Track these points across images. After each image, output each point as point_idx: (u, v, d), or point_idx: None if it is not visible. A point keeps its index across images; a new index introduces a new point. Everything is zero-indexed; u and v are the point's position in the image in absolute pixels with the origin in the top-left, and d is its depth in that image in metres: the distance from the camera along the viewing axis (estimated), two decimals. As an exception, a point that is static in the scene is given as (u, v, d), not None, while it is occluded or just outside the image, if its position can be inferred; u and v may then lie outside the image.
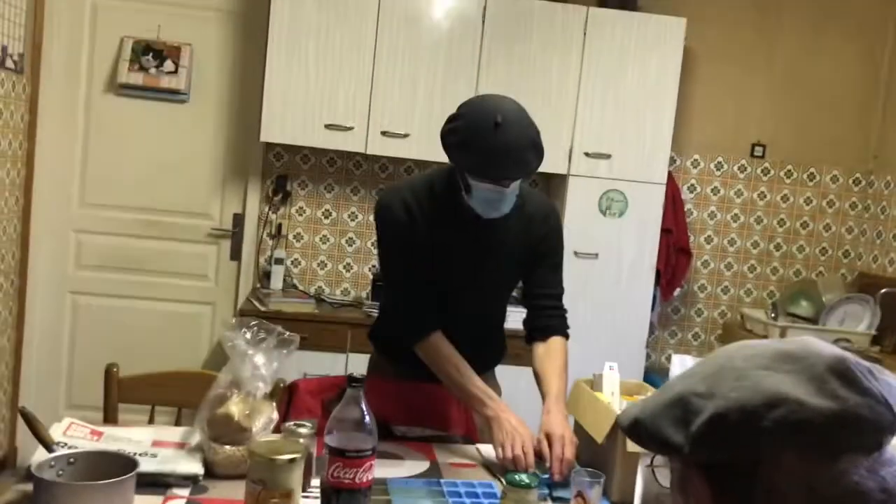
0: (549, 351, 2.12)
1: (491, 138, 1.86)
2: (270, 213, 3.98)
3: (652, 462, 0.88)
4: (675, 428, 0.77)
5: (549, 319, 2.16)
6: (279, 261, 3.89)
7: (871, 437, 0.73)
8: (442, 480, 1.81)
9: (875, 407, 0.74)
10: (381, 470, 1.81)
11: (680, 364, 1.95)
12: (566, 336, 2.18)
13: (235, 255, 3.98)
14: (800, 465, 0.73)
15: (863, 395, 0.74)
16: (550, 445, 1.88)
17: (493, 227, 2.07)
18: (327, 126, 3.59)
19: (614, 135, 3.77)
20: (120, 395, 2.15)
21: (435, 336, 2.06)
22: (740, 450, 0.74)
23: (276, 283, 3.87)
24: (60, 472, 1.55)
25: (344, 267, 4.05)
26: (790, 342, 0.79)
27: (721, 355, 0.81)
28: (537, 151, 1.92)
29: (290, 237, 4.01)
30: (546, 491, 1.79)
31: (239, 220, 3.96)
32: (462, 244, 2.08)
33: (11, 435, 3.70)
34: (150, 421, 2.17)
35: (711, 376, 0.78)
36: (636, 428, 0.82)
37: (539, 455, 1.89)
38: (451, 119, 1.95)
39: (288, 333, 1.87)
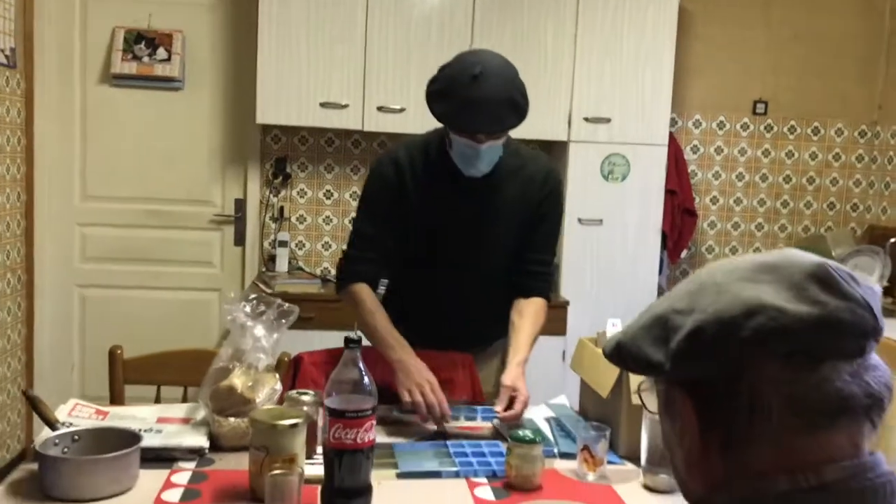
0: (526, 307, 2.11)
1: (466, 90, 1.86)
2: (272, 196, 3.97)
3: (640, 388, 0.86)
4: (655, 346, 0.76)
5: (534, 281, 2.14)
6: (283, 243, 3.89)
7: (854, 342, 0.72)
8: (448, 442, 1.81)
9: (857, 311, 0.72)
10: (388, 437, 1.81)
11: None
12: (548, 299, 2.17)
13: (239, 240, 3.98)
14: (782, 374, 0.71)
15: (844, 300, 0.72)
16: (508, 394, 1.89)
17: (489, 188, 2.06)
18: (322, 105, 3.57)
19: (613, 98, 3.74)
20: (125, 376, 2.16)
21: (360, 286, 2.07)
22: (721, 362, 0.73)
23: (282, 266, 3.87)
24: (65, 450, 1.56)
25: (348, 246, 4.04)
26: (771, 254, 0.77)
27: (702, 273, 0.80)
28: (515, 109, 1.90)
29: (293, 219, 4.01)
30: (551, 450, 1.78)
31: (241, 205, 3.96)
32: (456, 204, 2.07)
33: (28, 430, 3.73)
34: (157, 401, 2.17)
35: (692, 293, 0.77)
36: (618, 351, 0.80)
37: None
38: (439, 69, 1.97)
39: (287, 305, 1.86)
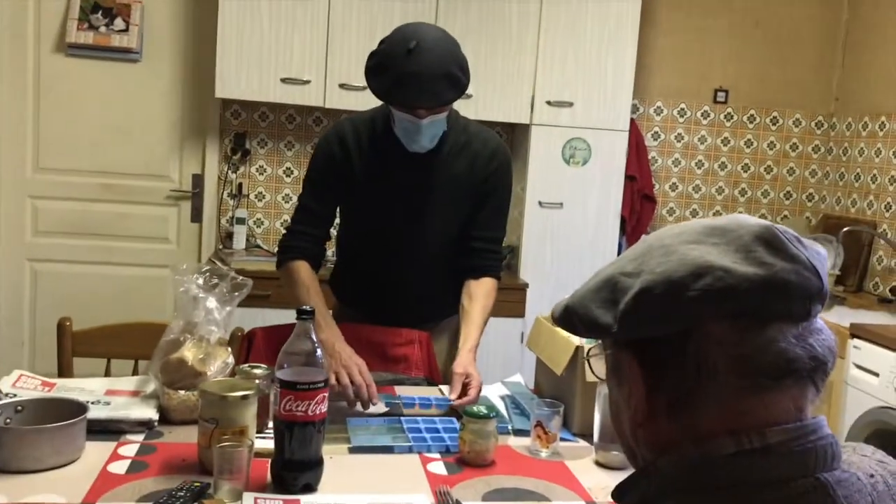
0: (477, 290, 2.08)
1: (401, 64, 1.84)
2: (230, 172, 3.91)
3: (587, 353, 0.86)
4: (603, 309, 0.76)
5: (484, 261, 2.12)
6: (241, 221, 3.84)
7: (800, 304, 0.72)
8: (402, 418, 1.80)
9: (802, 273, 0.72)
10: (343, 412, 1.79)
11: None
12: (498, 278, 2.15)
13: (196, 216, 3.92)
14: (728, 335, 0.71)
15: (790, 262, 0.72)
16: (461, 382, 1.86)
17: (434, 163, 2.05)
18: (283, 80, 3.52)
19: (576, 83, 3.74)
20: (74, 348, 2.11)
21: (298, 263, 2.05)
22: (668, 322, 0.73)
23: (239, 243, 3.82)
24: (8, 420, 1.52)
25: (308, 225, 4.00)
26: (720, 218, 0.77)
27: (650, 237, 0.79)
28: (452, 82, 1.88)
29: (252, 196, 3.96)
30: (506, 426, 1.78)
31: (198, 180, 3.89)
32: (401, 179, 2.06)
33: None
34: (107, 375, 2.13)
35: (639, 256, 0.77)
36: (567, 314, 0.80)
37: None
38: (378, 44, 1.94)
39: (241, 278, 1.84)
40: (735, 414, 0.72)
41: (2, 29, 3.65)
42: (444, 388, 1.99)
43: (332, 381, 1.79)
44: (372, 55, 1.93)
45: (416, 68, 1.83)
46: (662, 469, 0.74)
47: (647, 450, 0.78)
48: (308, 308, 1.46)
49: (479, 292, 2.08)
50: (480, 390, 1.87)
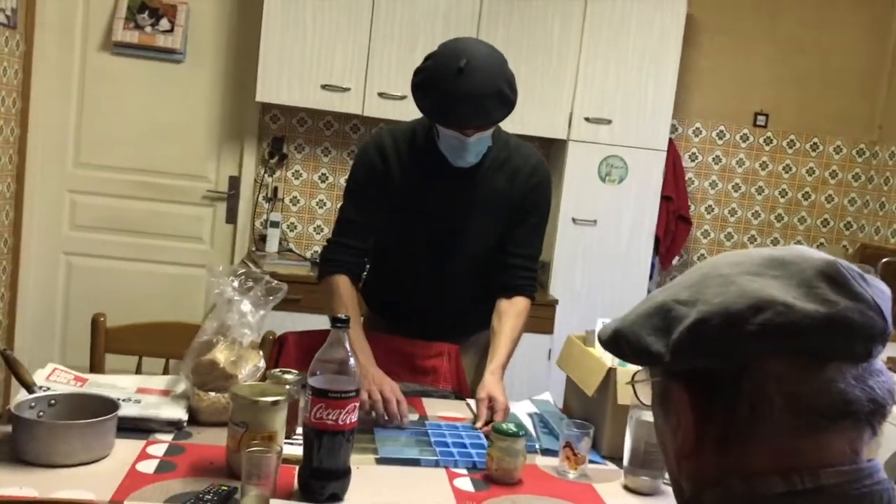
0: (508, 309, 2.05)
1: (451, 83, 1.80)
2: (266, 175, 3.94)
3: (633, 378, 0.84)
4: (655, 336, 0.74)
5: (518, 279, 2.09)
6: (275, 224, 3.86)
7: (862, 345, 0.70)
8: (428, 426, 1.79)
9: (866, 312, 0.70)
10: (371, 423, 1.79)
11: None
12: (532, 298, 2.12)
13: (231, 217, 3.95)
14: (785, 373, 0.69)
15: (854, 300, 0.70)
16: (486, 407, 1.84)
17: (475, 177, 2.03)
18: (323, 87, 3.54)
19: (615, 100, 3.72)
20: (107, 345, 2.13)
21: (339, 278, 2.04)
22: (723, 356, 0.71)
23: (272, 246, 3.84)
24: (41, 414, 1.53)
25: (340, 231, 4.01)
26: (780, 249, 0.75)
27: (706, 264, 0.77)
28: (501, 101, 1.85)
29: (287, 201, 3.98)
30: (533, 445, 1.76)
31: (235, 182, 3.92)
32: (441, 192, 2.04)
33: (7, 391, 3.69)
34: (138, 372, 2.14)
35: (695, 284, 0.75)
36: (616, 339, 0.78)
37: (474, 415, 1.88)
38: (424, 59, 1.91)
39: (276, 282, 1.84)
40: (787, 453, 0.70)
41: (50, 25, 3.71)
42: (472, 402, 1.98)
43: (364, 397, 1.79)
44: (418, 71, 1.89)
45: (467, 88, 1.80)
46: None
47: (690, 482, 0.76)
48: (343, 316, 1.46)
49: (511, 311, 2.05)
50: (507, 413, 1.84)
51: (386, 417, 1.79)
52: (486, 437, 1.77)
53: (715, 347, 0.71)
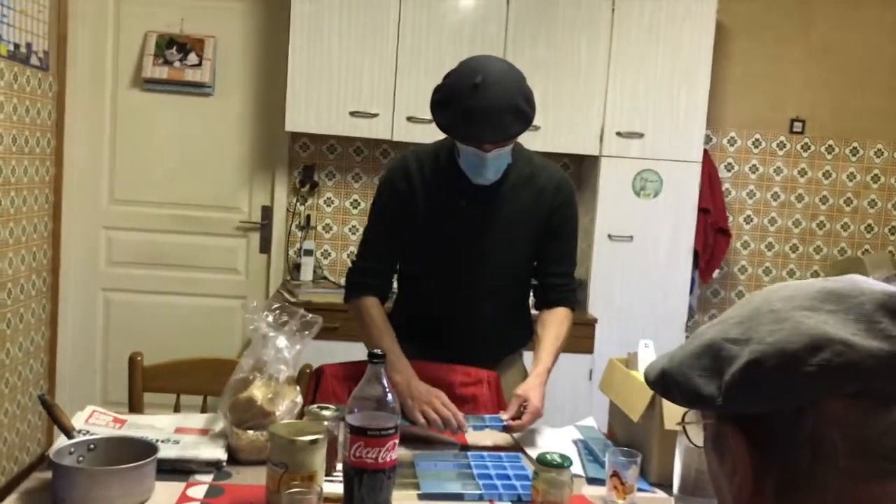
0: (550, 318, 2.08)
1: (468, 99, 1.82)
2: (298, 204, 3.94)
3: (683, 419, 0.80)
4: (706, 378, 0.69)
5: (558, 293, 2.12)
6: (308, 252, 3.86)
7: None
8: (470, 457, 1.75)
9: None
10: (411, 455, 1.75)
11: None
12: (573, 308, 2.14)
13: (265, 247, 3.95)
14: (848, 415, 0.64)
15: None
16: (519, 403, 1.86)
17: (498, 196, 2.03)
18: (352, 113, 3.54)
19: (647, 113, 3.67)
20: (144, 383, 2.12)
21: (369, 300, 2.05)
22: (780, 399, 0.66)
23: (307, 274, 3.84)
24: (80, 459, 1.52)
25: (374, 257, 4.00)
26: (835, 280, 0.70)
27: (757, 298, 0.73)
28: (518, 115, 1.85)
29: (319, 228, 3.98)
30: (580, 474, 1.71)
31: (267, 212, 3.93)
32: (465, 211, 2.04)
33: (49, 433, 3.71)
34: (176, 410, 2.13)
35: (746, 321, 0.70)
36: (663, 380, 0.74)
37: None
38: (443, 78, 1.93)
39: (311, 315, 1.82)
40: (852, 499, 0.65)
41: (81, 64, 3.76)
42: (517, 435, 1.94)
43: (420, 420, 1.81)
44: (437, 89, 1.92)
45: (481, 103, 1.81)
46: None
47: None
48: (379, 352, 1.43)
49: (553, 319, 2.07)
50: (536, 416, 1.85)
51: (447, 431, 1.81)
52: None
53: (770, 390, 0.66)
